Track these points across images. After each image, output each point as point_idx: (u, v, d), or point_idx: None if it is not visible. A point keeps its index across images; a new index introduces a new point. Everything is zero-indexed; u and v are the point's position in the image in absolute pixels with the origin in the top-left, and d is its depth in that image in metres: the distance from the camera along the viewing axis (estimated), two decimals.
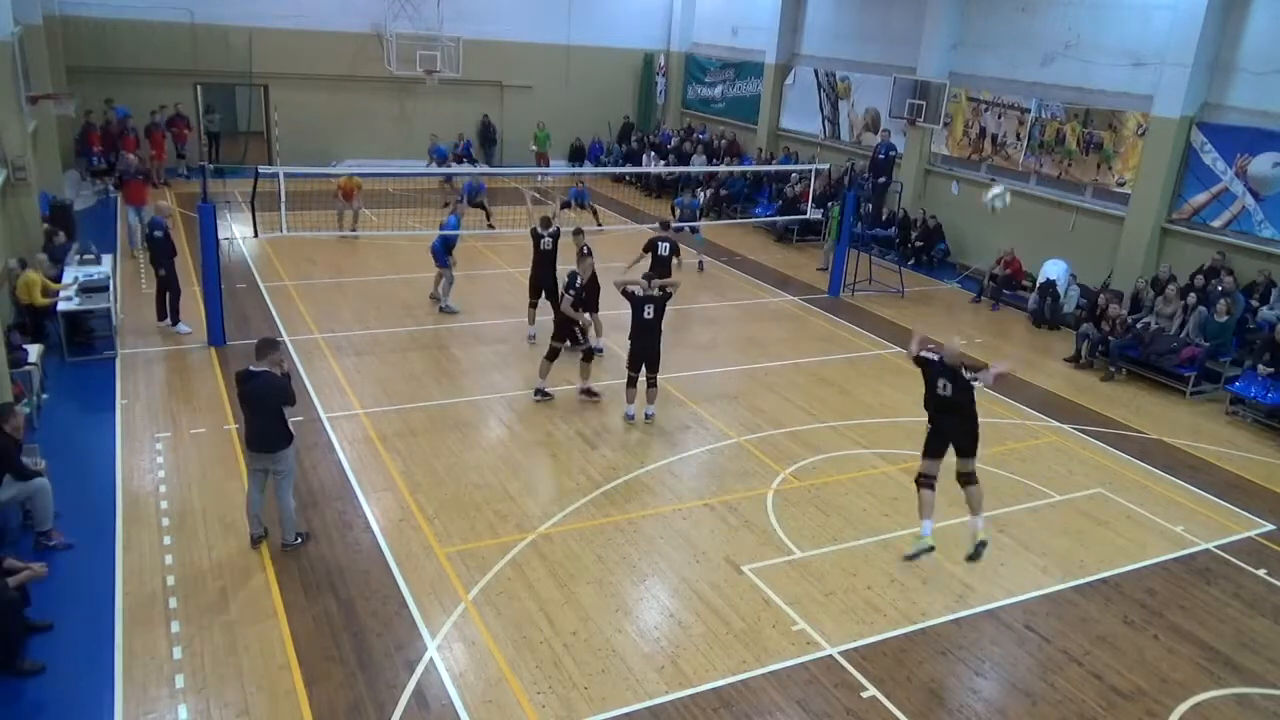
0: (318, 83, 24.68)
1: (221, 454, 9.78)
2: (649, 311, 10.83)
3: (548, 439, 10.60)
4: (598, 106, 28.01)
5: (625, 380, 11.24)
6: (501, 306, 14.76)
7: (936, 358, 8.09)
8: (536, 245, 13.15)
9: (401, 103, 25.89)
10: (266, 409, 7.83)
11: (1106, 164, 16.82)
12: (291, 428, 8.09)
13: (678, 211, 19.06)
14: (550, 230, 13.21)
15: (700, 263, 18.11)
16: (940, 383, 8.02)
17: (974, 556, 8.23)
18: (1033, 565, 8.69)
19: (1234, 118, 14.86)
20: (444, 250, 14.63)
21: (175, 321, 13.20)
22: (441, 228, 14.71)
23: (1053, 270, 16.47)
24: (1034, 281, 17.40)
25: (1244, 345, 13.66)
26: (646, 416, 11.18)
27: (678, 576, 8.12)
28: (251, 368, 7.85)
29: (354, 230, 18.29)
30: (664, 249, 13.88)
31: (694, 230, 18.29)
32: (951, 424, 8.11)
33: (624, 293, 11.00)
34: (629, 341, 11.06)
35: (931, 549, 8.26)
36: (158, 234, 13.05)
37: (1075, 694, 7.00)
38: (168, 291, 13.16)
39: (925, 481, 8.26)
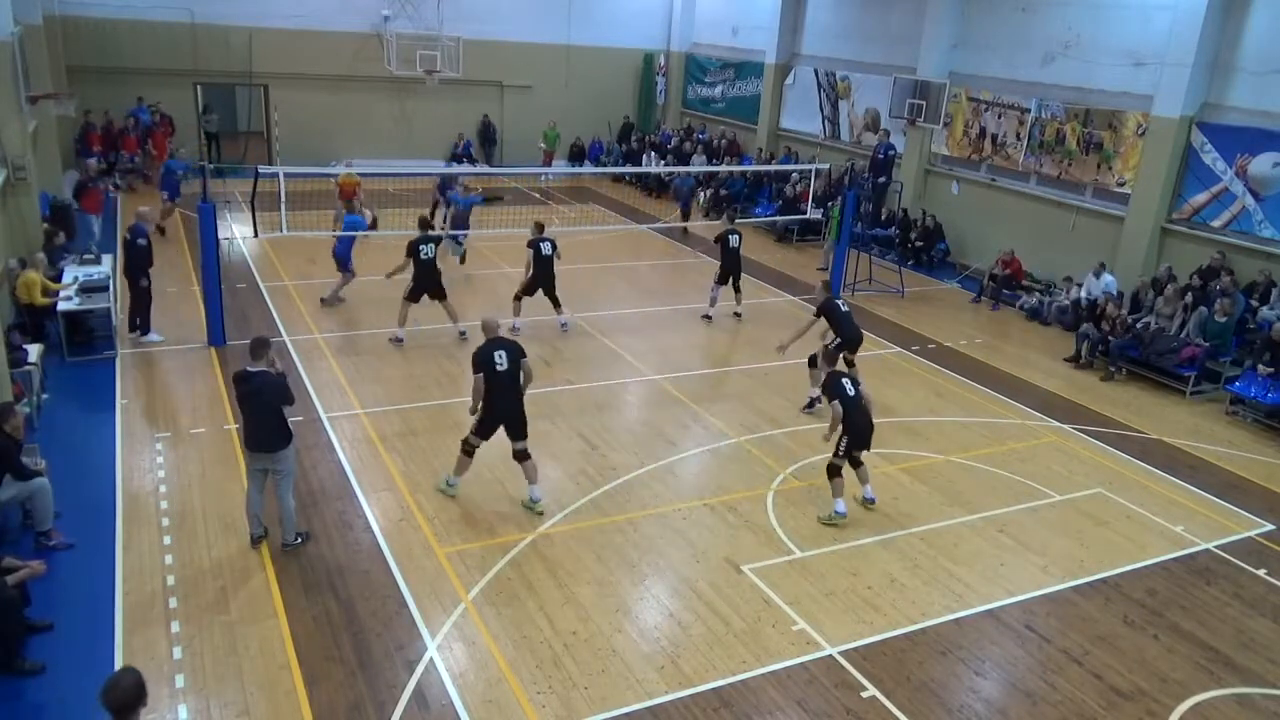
0: (318, 83, 24.69)
1: (221, 454, 9.78)
2: (850, 387, 9.08)
3: (547, 439, 10.59)
4: (598, 106, 28.03)
5: (828, 471, 9.14)
6: (501, 307, 14.72)
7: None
8: (538, 252, 13.51)
9: (401, 103, 25.89)
10: (266, 409, 7.83)
11: (1106, 164, 16.82)
12: (291, 427, 8.10)
13: (449, 209, 17.06)
14: (546, 236, 13.70)
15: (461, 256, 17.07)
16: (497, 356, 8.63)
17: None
18: (1033, 565, 8.69)
19: (1234, 118, 14.86)
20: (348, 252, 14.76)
21: (146, 331, 12.69)
22: (350, 227, 14.97)
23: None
24: (1034, 280, 17.44)
25: (1244, 345, 13.66)
26: (868, 500, 9.38)
27: (677, 576, 8.12)
28: (249, 368, 7.85)
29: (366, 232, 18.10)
30: (735, 241, 14.92)
31: (456, 239, 16.71)
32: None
33: (827, 385, 9.19)
34: (845, 428, 8.97)
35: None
36: (140, 241, 12.44)
37: (1075, 694, 7.00)
38: (149, 302, 12.65)
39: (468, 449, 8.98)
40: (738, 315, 15.21)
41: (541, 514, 8.95)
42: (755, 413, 11.66)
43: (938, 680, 7.05)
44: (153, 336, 12.67)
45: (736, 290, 15.14)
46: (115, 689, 4.57)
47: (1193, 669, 7.40)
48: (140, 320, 12.72)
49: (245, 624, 7.15)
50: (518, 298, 13.93)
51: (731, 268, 14.96)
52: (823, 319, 11.67)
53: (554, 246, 13.73)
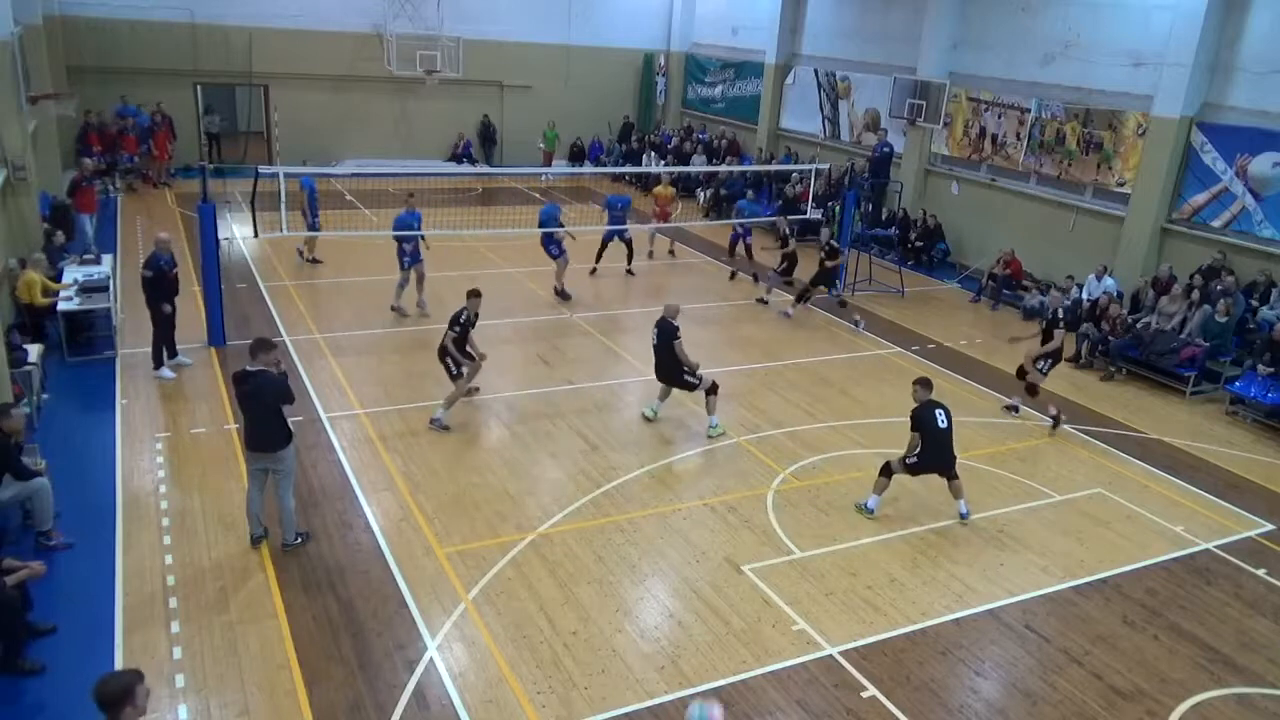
0: (318, 83, 24.70)
1: (221, 454, 9.78)
2: (943, 419, 9.09)
3: (548, 439, 10.60)
4: (598, 106, 28.04)
5: (881, 467, 9.33)
6: (502, 309, 14.72)
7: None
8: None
9: (402, 103, 25.90)
10: (266, 408, 7.83)
11: (1106, 164, 16.82)
12: (291, 426, 8.10)
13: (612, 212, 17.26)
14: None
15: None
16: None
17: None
18: (1033, 565, 8.69)
19: (1234, 118, 14.85)
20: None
21: (174, 354, 11.80)
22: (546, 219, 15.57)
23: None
24: (1034, 280, 17.44)
25: (1244, 345, 13.67)
26: (962, 515, 9.33)
27: (678, 576, 8.13)
28: (248, 368, 7.85)
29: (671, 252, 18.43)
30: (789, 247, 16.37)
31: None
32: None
33: (916, 415, 9.14)
34: (921, 454, 9.12)
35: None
36: (146, 274, 11.34)
37: (1075, 694, 7.00)
38: (162, 333, 11.60)
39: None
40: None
41: (718, 436, 10.82)
42: (755, 412, 11.67)
43: (938, 680, 7.05)
44: (164, 373, 11.55)
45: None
46: (102, 684, 4.63)
47: (1193, 669, 7.40)
48: (154, 352, 11.59)
49: (245, 624, 7.15)
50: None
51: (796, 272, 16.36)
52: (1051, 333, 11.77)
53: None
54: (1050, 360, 11.80)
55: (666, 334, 10.75)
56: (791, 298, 15.97)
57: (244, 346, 12.20)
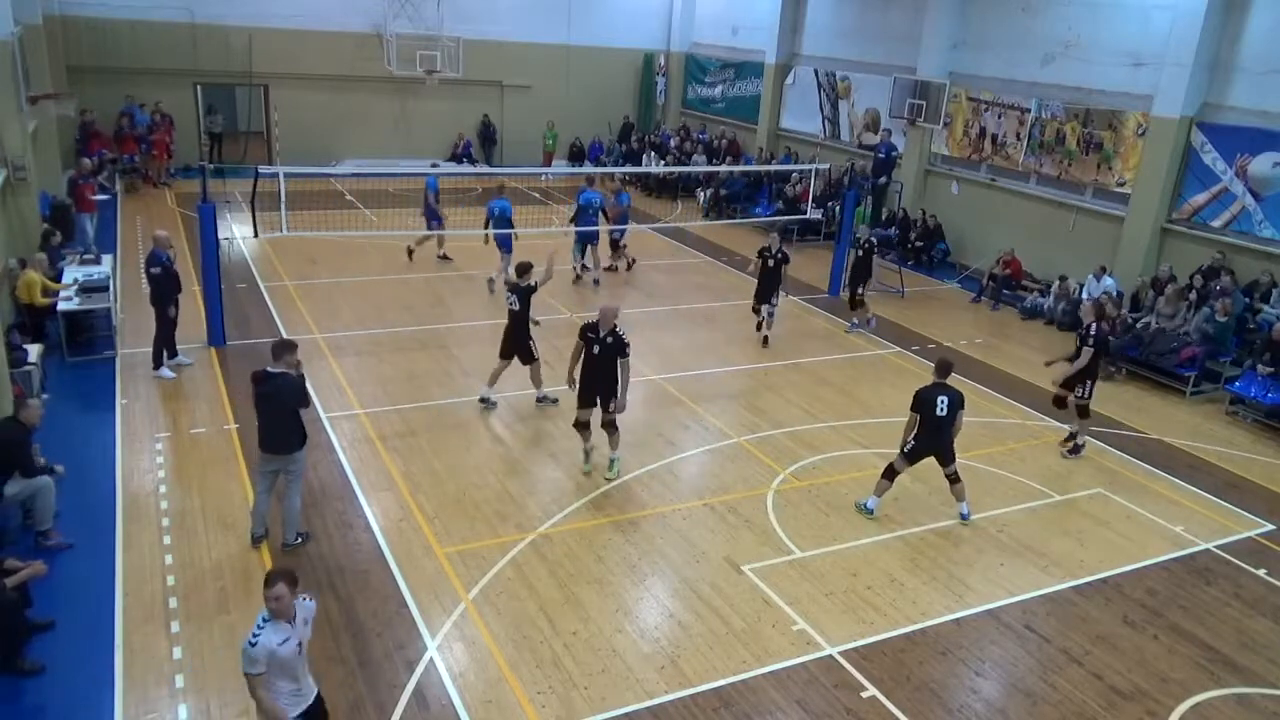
0: (318, 83, 24.68)
1: (221, 454, 9.78)
2: (943, 407, 9.00)
3: (548, 439, 10.60)
4: (598, 106, 28.03)
5: (885, 469, 9.32)
6: (501, 308, 14.70)
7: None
8: (764, 262, 14.02)
9: (401, 103, 25.89)
10: (283, 410, 7.84)
11: (1106, 164, 16.82)
12: (305, 428, 8.10)
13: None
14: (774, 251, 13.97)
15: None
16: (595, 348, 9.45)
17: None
18: (1033, 565, 8.69)
19: (1234, 118, 14.86)
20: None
21: (174, 354, 11.79)
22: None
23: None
24: (1034, 281, 17.44)
25: (1244, 345, 13.67)
26: (962, 517, 9.36)
27: (678, 576, 8.13)
28: (269, 369, 7.85)
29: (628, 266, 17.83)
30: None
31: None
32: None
33: (917, 397, 9.10)
34: (918, 438, 9.11)
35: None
36: (154, 270, 11.35)
37: (1075, 694, 7.00)
38: (174, 329, 11.70)
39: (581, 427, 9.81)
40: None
41: (611, 479, 9.72)
42: (755, 413, 11.66)
43: (938, 680, 7.05)
44: (164, 373, 11.54)
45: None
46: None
47: (1193, 669, 7.40)
48: (155, 351, 11.58)
49: (245, 624, 7.10)
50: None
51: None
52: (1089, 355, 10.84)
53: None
54: (1089, 382, 10.81)
55: (616, 349, 9.42)
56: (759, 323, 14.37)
57: (244, 346, 12.32)
